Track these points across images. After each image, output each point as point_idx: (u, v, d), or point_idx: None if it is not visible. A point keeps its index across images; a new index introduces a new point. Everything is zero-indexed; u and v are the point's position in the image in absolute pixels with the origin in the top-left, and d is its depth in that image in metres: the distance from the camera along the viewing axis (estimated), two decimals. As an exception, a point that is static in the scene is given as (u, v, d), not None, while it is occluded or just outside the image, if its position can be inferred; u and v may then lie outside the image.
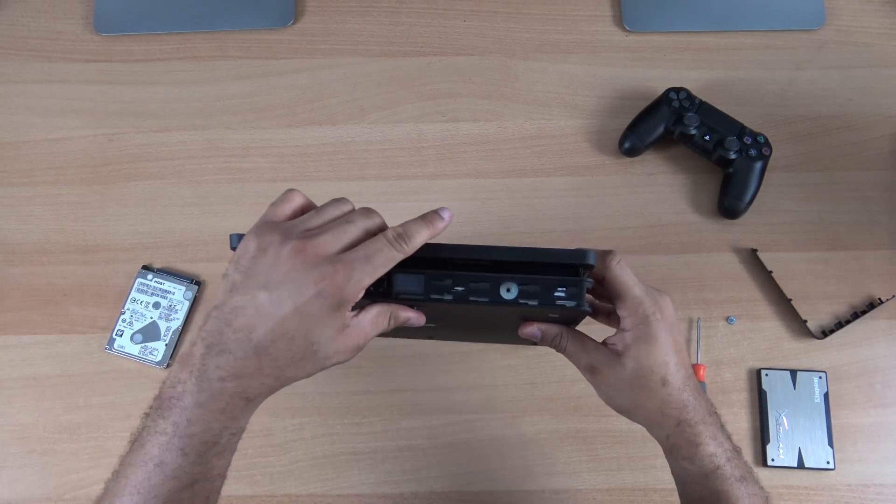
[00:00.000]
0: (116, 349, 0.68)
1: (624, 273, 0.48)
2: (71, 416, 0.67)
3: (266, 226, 0.43)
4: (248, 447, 0.66)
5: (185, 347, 0.43)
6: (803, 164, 0.74)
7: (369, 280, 0.42)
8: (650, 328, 0.47)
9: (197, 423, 0.41)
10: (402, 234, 0.43)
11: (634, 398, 0.48)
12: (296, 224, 0.43)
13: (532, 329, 0.49)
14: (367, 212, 0.46)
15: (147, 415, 0.43)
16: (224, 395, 0.41)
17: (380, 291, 0.45)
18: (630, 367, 0.47)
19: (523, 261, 0.45)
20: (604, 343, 0.49)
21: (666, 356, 0.47)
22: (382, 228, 0.45)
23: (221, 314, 0.41)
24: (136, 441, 0.42)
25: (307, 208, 0.46)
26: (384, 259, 0.42)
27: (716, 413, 0.49)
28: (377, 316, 0.45)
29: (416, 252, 0.44)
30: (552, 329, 0.50)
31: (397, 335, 0.55)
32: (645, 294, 0.48)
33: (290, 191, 0.46)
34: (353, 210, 0.46)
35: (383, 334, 0.47)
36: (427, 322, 0.48)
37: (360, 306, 0.45)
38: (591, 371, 0.49)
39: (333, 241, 0.42)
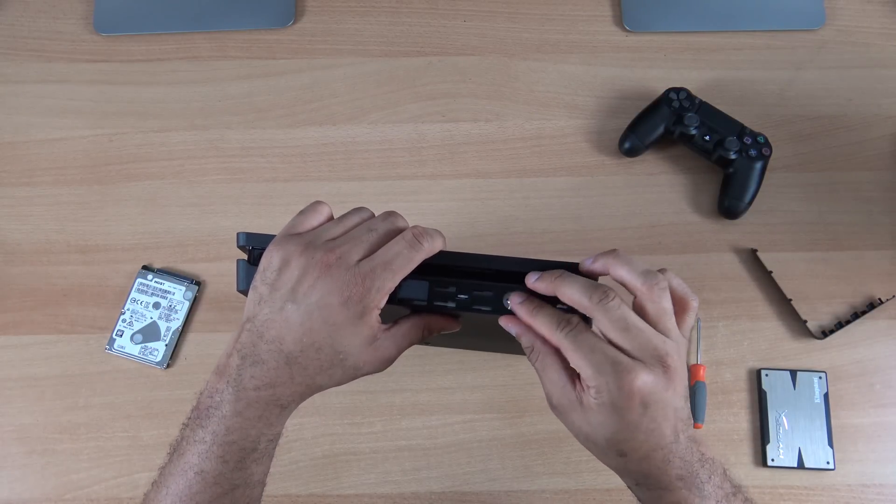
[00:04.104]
0: (116, 349, 0.68)
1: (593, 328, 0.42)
2: (71, 416, 0.67)
3: (289, 237, 0.44)
4: (248, 447, 0.66)
5: (220, 359, 0.44)
6: (803, 164, 0.74)
7: (391, 285, 0.42)
8: (613, 399, 0.40)
9: (235, 430, 0.42)
10: (420, 233, 0.44)
11: (592, 451, 0.44)
12: (318, 234, 0.44)
13: (511, 326, 0.45)
14: (388, 216, 0.46)
15: (185, 425, 0.44)
16: (260, 403, 0.43)
17: (401, 298, 0.45)
18: (588, 428, 0.42)
19: (528, 272, 0.45)
20: (576, 379, 0.42)
21: (626, 432, 0.41)
22: (404, 230, 0.45)
23: (254, 327, 0.42)
24: (176, 451, 0.44)
25: (330, 220, 0.47)
26: (403, 261, 0.43)
27: (700, 471, 0.42)
28: (410, 329, 0.46)
29: (426, 259, 0.44)
30: (526, 338, 0.44)
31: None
32: (609, 361, 0.40)
33: (319, 203, 0.47)
34: (374, 216, 0.46)
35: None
36: None
37: (393, 318, 0.45)
38: (550, 405, 0.44)
39: (355, 250, 0.43)
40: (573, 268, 0.45)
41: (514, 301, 0.44)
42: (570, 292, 0.42)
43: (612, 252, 0.43)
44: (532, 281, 0.44)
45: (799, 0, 0.79)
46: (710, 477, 0.42)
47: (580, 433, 0.43)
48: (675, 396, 0.41)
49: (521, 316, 0.44)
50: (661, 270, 0.43)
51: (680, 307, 0.43)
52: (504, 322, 0.45)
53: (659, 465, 0.42)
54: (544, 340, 0.43)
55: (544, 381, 0.43)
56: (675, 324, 0.42)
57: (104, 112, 0.76)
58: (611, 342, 0.41)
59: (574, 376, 0.42)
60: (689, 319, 0.44)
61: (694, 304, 0.44)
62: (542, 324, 0.43)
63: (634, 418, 0.40)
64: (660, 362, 0.40)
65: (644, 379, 0.40)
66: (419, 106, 0.76)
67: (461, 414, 0.67)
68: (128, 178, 0.74)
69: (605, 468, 0.64)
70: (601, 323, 0.41)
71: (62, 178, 0.74)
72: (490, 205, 0.73)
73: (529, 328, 0.44)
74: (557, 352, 0.43)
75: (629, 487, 0.45)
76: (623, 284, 0.43)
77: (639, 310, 0.42)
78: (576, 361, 0.41)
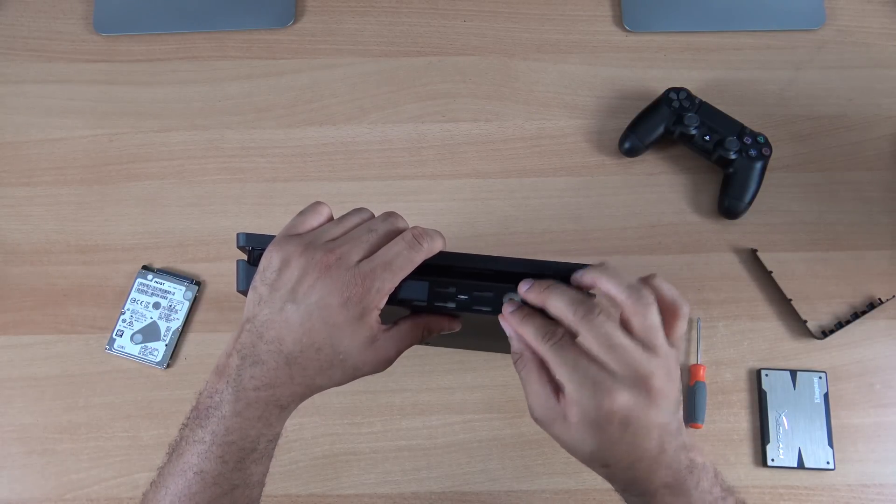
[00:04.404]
0: (116, 349, 0.68)
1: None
2: (71, 416, 0.67)
3: (289, 238, 0.44)
4: (248, 447, 0.66)
5: (220, 359, 0.44)
6: (803, 164, 0.74)
7: (391, 285, 0.43)
8: (591, 417, 0.40)
9: (234, 430, 0.42)
10: (420, 234, 0.44)
11: (577, 459, 0.43)
12: (318, 235, 0.44)
13: (507, 327, 0.44)
14: (388, 216, 0.46)
15: (185, 425, 0.44)
16: (259, 403, 0.42)
17: (401, 298, 0.45)
18: (570, 441, 0.42)
19: (528, 272, 0.45)
20: (559, 393, 0.41)
21: (606, 449, 0.41)
22: (404, 231, 0.45)
23: (254, 327, 0.43)
24: (175, 451, 0.43)
25: (330, 220, 0.47)
26: (403, 262, 0.43)
27: (687, 478, 0.41)
28: (409, 330, 0.46)
29: (426, 259, 0.44)
30: (517, 343, 0.43)
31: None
32: (590, 379, 0.39)
33: (318, 203, 0.47)
34: (374, 217, 0.46)
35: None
36: None
37: (392, 318, 0.45)
38: (532, 416, 0.43)
39: (355, 251, 0.43)
40: (572, 269, 0.44)
41: (506, 310, 0.44)
42: (557, 305, 0.42)
43: (600, 265, 0.43)
44: (523, 290, 0.44)
45: (799, 0, 0.79)
46: (697, 483, 0.42)
47: (564, 444, 0.43)
48: (660, 414, 0.40)
49: (512, 324, 0.43)
50: (651, 276, 0.43)
51: (670, 314, 0.42)
52: (503, 321, 0.45)
53: (643, 474, 0.42)
54: (533, 353, 0.43)
55: (528, 391, 0.43)
56: (663, 338, 0.41)
57: (104, 112, 0.76)
58: (595, 358, 0.40)
59: (557, 390, 0.42)
60: (680, 327, 0.43)
61: (684, 310, 0.43)
62: (529, 333, 0.42)
63: (614, 435, 0.40)
64: (642, 383, 0.39)
65: (623, 400, 0.39)
66: (419, 106, 0.76)
67: (461, 414, 0.67)
68: (128, 178, 0.74)
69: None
70: (585, 338, 0.40)
71: (62, 178, 0.74)
72: (490, 205, 0.73)
73: (515, 335, 0.43)
74: (543, 364, 0.42)
75: (618, 492, 0.45)
76: (610, 298, 0.42)
77: (625, 324, 0.41)
78: (559, 375, 0.41)
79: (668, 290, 0.43)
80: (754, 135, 0.70)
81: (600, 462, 0.42)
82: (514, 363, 0.44)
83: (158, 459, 0.45)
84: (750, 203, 0.70)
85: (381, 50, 0.78)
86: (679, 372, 0.43)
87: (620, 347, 0.40)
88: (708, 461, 0.43)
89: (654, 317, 0.41)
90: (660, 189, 0.73)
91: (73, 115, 0.76)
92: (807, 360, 0.68)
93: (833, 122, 0.75)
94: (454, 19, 0.79)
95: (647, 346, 0.40)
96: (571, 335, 0.41)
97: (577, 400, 0.40)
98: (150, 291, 0.70)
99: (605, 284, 0.42)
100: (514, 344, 0.44)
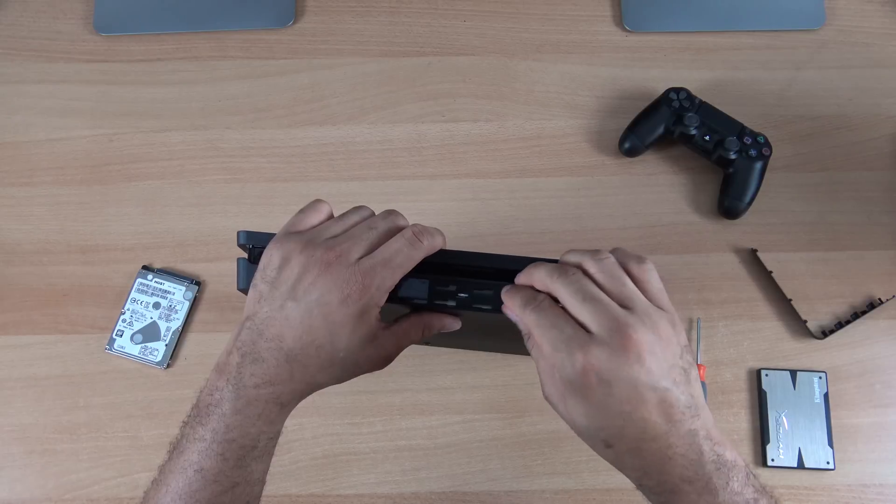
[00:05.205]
0: (116, 349, 0.68)
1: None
2: (71, 416, 0.67)
3: (290, 236, 0.44)
4: (248, 447, 0.66)
5: (221, 357, 0.44)
6: (803, 164, 0.74)
7: (391, 283, 0.43)
8: (569, 377, 0.38)
9: (235, 428, 0.42)
10: (420, 231, 0.44)
11: (587, 444, 0.41)
12: (318, 233, 0.44)
13: (511, 313, 0.43)
14: (389, 214, 0.46)
15: (185, 423, 0.44)
16: (259, 401, 0.43)
17: (401, 297, 0.45)
18: (569, 417, 0.40)
19: None
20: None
21: (600, 418, 0.38)
22: (404, 228, 0.45)
23: (254, 325, 0.43)
24: (176, 449, 0.44)
25: (331, 218, 0.47)
26: (403, 259, 0.43)
27: (714, 475, 0.38)
28: (409, 327, 0.46)
29: (426, 257, 0.44)
30: (522, 326, 0.42)
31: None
32: (564, 337, 0.38)
33: (318, 201, 0.47)
34: (374, 215, 0.46)
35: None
36: None
37: (392, 316, 0.45)
38: (543, 394, 0.41)
39: (355, 248, 0.43)
40: None
41: (503, 289, 0.44)
42: (538, 275, 0.42)
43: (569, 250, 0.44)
44: (517, 279, 0.44)
45: (799, 0, 0.79)
46: (727, 483, 0.38)
47: (570, 424, 0.40)
48: (649, 375, 0.37)
49: (504, 299, 0.43)
50: (614, 251, 0.43)
51: (634, 273, 0.41)
52: (506, 309, 0.44)
53: (655, 461, 0.38)
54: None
55: (538, 369, 0.41)
56: (636, 292, 0.40)
57: (104, 112, 0.76)
58: (573, 318, 0.39)
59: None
60: (652, 282, 0.41)
61: (647, 265, 0.41)
62: (515, 304, 0.42)
63: (599, 399, 0.37)
64: (618, 334, 0.37)
65: (596, 354, 0.37)
66: (419, 106, 0.76)
67: (461, 414, 0.67)
68: (128, 178, 0.74)
69: (606, 467, 0.63)
70: (562, 298, 0.40)
71: (62, 178, 0.74)
72: (490, 205, 0.73)
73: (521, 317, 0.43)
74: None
75: (638, 488, 0.42)
76: (578, 266, 0.42)
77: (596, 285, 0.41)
78: (537, 339, 0.40)
79: (623, 252, 0.43)
80: (754, 135, 0.70)
81: (601, 439, 0.39)
82: (526, 343, 0.43)
83: (159, 459, 0.45)
84: (750, 203, 0.70)
85: (381, 50, 0.78)
86: (679, 337, 0.40)
87: (595, 300, 0.39)
88: (740, 458, 0.40)
89: (615, 269, 0.41)
90: (660, 189, 0.73)
91: (73, 115, 0.76)
92: (807, 360, 0.68)
93: (833, 122, 0.75)
94: (454, 19, 0.79)
95: (622, 301, 0.40)
96: (554, 300, 0.41)
97: (554, 361, 0.39)
98: (150, 291, 0.70)
99: (569, 257, 0.43)
100: (521, 326, 0.43)
